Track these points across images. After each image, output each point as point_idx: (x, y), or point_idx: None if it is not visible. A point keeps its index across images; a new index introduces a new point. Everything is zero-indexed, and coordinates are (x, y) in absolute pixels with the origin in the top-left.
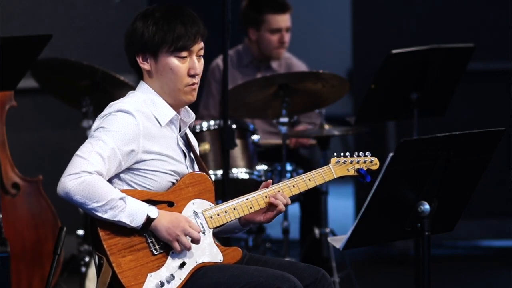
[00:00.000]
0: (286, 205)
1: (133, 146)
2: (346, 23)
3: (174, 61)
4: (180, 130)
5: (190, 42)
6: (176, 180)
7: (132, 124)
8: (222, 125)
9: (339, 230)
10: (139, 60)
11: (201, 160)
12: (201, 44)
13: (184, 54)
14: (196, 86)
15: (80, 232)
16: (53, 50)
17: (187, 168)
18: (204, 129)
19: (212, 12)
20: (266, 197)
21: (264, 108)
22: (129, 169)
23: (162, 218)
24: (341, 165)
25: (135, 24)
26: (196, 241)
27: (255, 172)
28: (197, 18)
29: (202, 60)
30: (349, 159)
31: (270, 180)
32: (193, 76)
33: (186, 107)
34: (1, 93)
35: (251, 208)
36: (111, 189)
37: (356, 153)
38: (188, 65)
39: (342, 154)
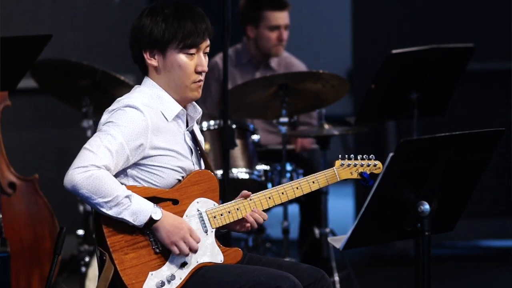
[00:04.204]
0: (259, 224)
1: (141, 141)
2: (346, 23)
3: (182, 57)
4: (187, 126)
5: (199, 39)
6: (182, 177)
7: (141, 119)
8: (222, 125)
9: (339, 230)
10: (146, 56)
11: (207, 157)
12: (208, 42)
13: (193, 51)
14: (202, 83)
15: (80, 232)
16: (53, 50)
17: (193, 164)
18: (204, 129)
19: (212, 12)
20: (269, 198)
21: (264, 108)
22: (136, 165)
23: (165, 220)
24: (345, 168)
25: (142, 20)
26: (193, 251)
27: (255, 172)
28: (205, 15)
29: (207, 57)
30: (353, 162)
31: (248, 192)
32: (200, 73)
33: (193, 102)
34: None
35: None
36: (118, 185)
37: (360, 156)
38: (195, 62)
39: (346, 156)
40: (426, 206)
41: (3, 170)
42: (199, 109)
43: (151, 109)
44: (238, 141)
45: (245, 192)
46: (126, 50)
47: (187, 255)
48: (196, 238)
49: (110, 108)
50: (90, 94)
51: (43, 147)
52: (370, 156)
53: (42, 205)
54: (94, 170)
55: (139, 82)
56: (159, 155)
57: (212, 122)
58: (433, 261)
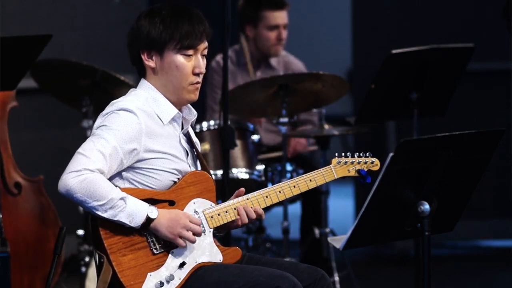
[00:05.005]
0: (251, 220)
1: (135, 145)
2: (346, 23)
3: (180, 59)
4: (182, 128)
5: (196, 41)
6: (178, 178)
7: (134, 122)
8: (222, 125)
9: (339, 230)
10: (144, 57)
11: (203, 159)
12: (206, 43)
13: (190, 52)
14: (199, 86)
15: (80, 232)
16: (53, 50)
17: (189, 166)
18: (204, 129)
19: (212, 12)
20: (267, 197)
21: (264, 108)
22: (131, 168)
23: (162, 217)
24: (342, 166)
25: (140, 22)
26: (197, 234)
27: (255, 172)
28: (203, 17)
29: (205, 59)
30: (350, 159)
31: (243, 189)
32: (197, 74)
33: (189, 105)
34: (3, 93)
35: (251, 207)
36: (112, 188)
37: (357, 154)
38: (193, 63)
39: (343, 154)
40: (426, 206)
41: (10, 170)
42: (194, 112)
43: (145, 112)
44: (238, 141)
45: (238, 191)
46: (126, 50)
47: (194, 241)
48: (195, 221)
49: (104, 111)
50: (90, 94)
51: (43, 147)
52: (368, 154)
53: (47, 206)
54: (87, 173)
55: (139, 80)
56: (154, 158)
57: (212, 122)
58: (433, 261)
